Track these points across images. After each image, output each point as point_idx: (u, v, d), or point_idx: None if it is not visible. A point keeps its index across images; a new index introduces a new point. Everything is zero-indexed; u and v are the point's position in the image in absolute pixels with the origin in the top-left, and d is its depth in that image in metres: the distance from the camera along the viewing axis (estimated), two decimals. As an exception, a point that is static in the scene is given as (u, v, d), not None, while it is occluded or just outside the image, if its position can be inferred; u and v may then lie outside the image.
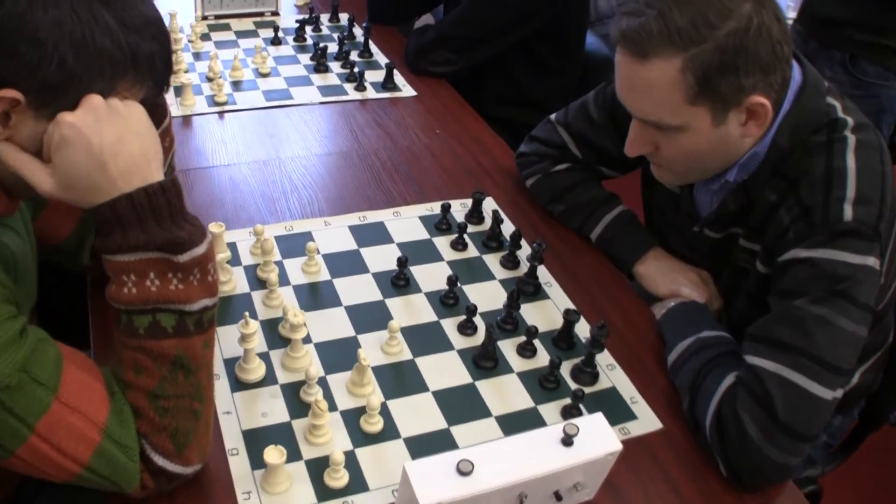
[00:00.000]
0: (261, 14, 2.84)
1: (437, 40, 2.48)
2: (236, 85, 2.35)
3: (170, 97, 2.25)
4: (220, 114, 2.21)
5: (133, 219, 1.04)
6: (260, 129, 2.15)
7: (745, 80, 1.35)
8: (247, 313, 1.35)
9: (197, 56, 2.51)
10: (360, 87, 2.38)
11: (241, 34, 2.69)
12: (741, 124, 1.41)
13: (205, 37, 2.64)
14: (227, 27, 2.74)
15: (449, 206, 1.81)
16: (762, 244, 1.51)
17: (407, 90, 2.41)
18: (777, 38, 1.36)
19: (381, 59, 2.59)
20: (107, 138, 1.02)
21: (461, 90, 2.51)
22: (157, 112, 1.36)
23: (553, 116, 1.95)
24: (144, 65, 1.06)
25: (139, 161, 1.05)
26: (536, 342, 1.52)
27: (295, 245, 1.70)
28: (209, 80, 2.34)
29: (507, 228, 1.80)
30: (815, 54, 2.49)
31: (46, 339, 1.05)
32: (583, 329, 1.57)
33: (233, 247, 1.68)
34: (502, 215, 1.81)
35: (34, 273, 1.30)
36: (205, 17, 2.77)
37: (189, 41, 2.58)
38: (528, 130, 2.56)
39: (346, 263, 1.68)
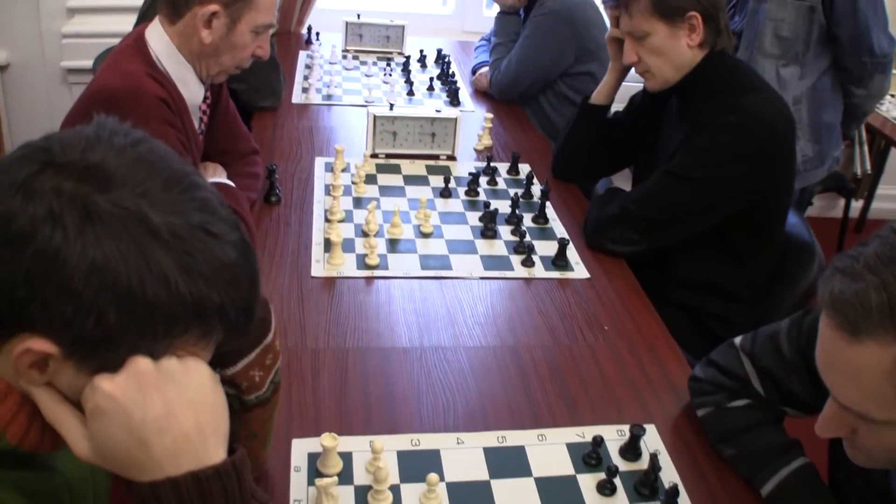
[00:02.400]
0: (436, 157, 2.82)
1: (621, 217, 2.38)
2: (392, 244, 2.31)
3: (317, 252, 2.23)
4: (369, 279, 2.17)
5: None
6: (409, 304, 2.09)
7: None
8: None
9: (357, 202, 2.50)
10: (528, 262, 2.29)
11: (410, 180, 2.68)
12: (965, 423, 1.24)
13: (370, 179, 2.64)
14: (396, 169, 2.73)
15: (601, 439, 1.68)
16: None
17: (579, 270, 2.32)
18: None
19: (557, 226, 2.52)
20: (151, 412, 0.92)
21: (640, 269, 2.41)
22: (260, 326, 1.27)
23: (738, 341, 1.80)
24: (214, 318, 0.94)
25: (192, 439, 0.94)
26: None
27: (418, 466, 1.60)
28: (364, 234, 2.31)
29: (668, 472, 1.66)
30: None
31: None
32: None
33: (347, 458, 1.59)
34: (661, 460, 1.67)
35: (104, 482, 1.25)
36: (374, 155, 2.77)
37: (353, 182, 2.58)
38: (712, 321, 2.46)
39: (471, 500, 1.57)
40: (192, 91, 2.16)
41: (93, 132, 0.94)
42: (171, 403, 0.93)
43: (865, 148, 4.04)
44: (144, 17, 2.90)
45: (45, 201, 0.86)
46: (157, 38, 2.09)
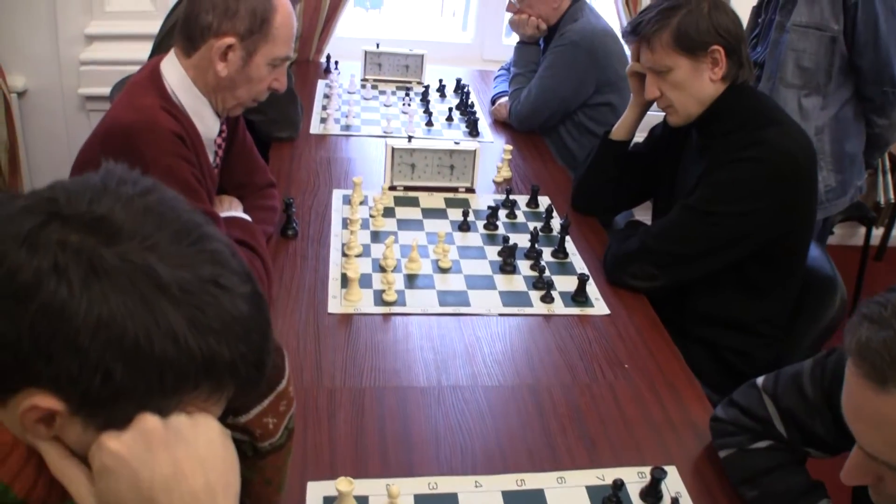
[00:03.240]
0: (454, 189, 2.81)
1: (641, 252, 2.36)
2: (410, 280, 2.30)
3: (334, 288, 2.22)
4: (386, 316, 2.16)
5: None
6: (426, 342, 2.08)
7: None
8: None
9: (375, 236, 2.49)
10: (548, 298, 2.28)
11: (429, 213, 2.67)
12: None
13: (388, 212, 2.63)
14: (414, 202, 2.72)
15: (622, 482, 1.65)
16: None
17: (599, 306, 2.30)
18: None
19: (577, 261, 2.50)
20: (159, 471, 0.89)
21: (660, 304, 2.39)
22: (273, 373, 1.24)
23: (760, 382, 1.78)
24: (224, 373, 0.92)
25: (201, 498, 0.91)
26: None
27: (435, 510, 1.59)
28: (381, 269, 2.30)
29: (689, 515, 1.64)
30: None
31: None
32: None
33: (363, 502, 1.58)
34: (682, 503, 1.65)
35: None
36: (392, 188, 2.76)
37: (370, 216, 2.57)
38: (732, 356, 2.44)
39: (489, 545, 1.55)
40: (208, 125, 2.15)
41: (100, 181, 0.92)
42: (179, 462, 0.91)
43: (889, 177, 4.01)
44: (159, 47, 2.92)
45: (50, 255, 0.84)
46: (173, 70, 2.09)
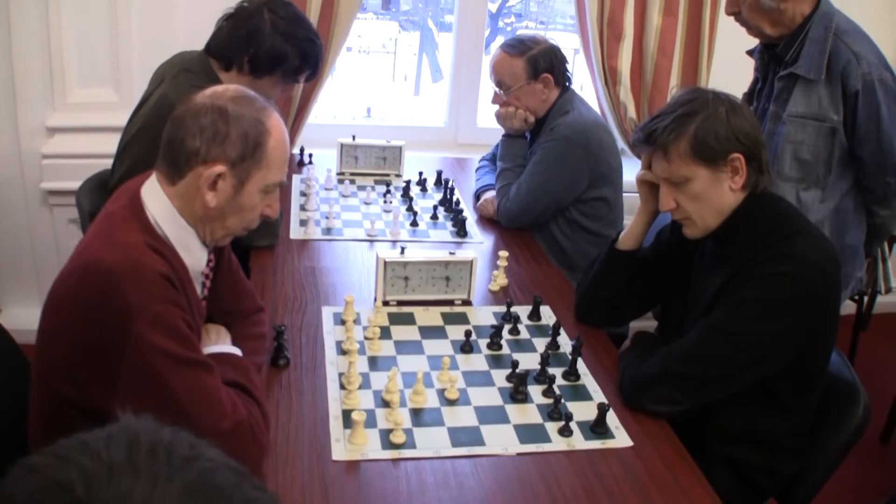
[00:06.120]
0: (451, 303, 2.63)
1: (663, 377, 2.19)
2: (416, 415, 2.11)
3: (336, 429, 2.02)
4: (396, 461, 1.96)
5: None
6: (444, 492, 1.88)
7: None
8: None
9: (373, 363, 2.30)
10: (566, 431, 2.09)
11: (427, 332, 2.48)
12: None
13: (384, 333, 2.43)
14: (410, 319, 2.54)
15: None
16: None
17: (621, 436, 2.12)
18: None
19: (589, 381, 2.33)
20: None
21: (678, 422, 2.22)
22: None
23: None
24: None
25: None
26: None
27: None
28: (385, 404, 2.10)
29: None
30: None
31: None
32: None
33: None
34: None
35: None
36: (386, 303, 2.57)
37: (366, 338, 2.38)
38: (756, 474, 2.27)
39: None
40: (196, 256, 1.96)
41: (124, 457, 0.72)
42: None
43: (889, 265, 3.88)
44: (128, 147, 2.78)
45: None
46: (155, 199, 1.89)
